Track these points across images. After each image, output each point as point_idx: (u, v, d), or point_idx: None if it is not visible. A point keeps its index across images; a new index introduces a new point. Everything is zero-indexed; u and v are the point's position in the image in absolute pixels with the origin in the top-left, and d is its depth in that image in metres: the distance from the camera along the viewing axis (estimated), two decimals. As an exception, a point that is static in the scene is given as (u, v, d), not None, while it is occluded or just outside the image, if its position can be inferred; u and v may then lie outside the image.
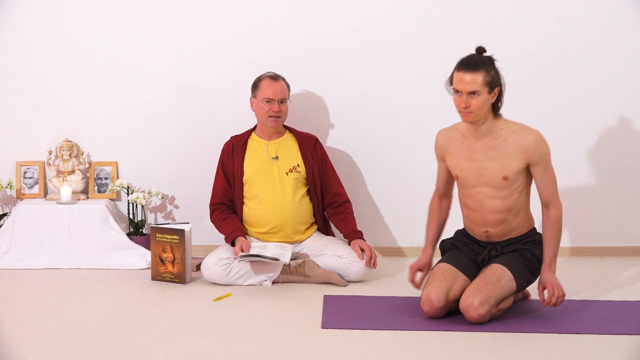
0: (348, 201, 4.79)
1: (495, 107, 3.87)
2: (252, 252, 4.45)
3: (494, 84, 3.81)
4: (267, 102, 4.61)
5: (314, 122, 5.08)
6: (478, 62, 3.80)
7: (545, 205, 3.93)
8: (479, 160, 3.90)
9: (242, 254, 4.41)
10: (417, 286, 4.08)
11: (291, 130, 4.79)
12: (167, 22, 5.07)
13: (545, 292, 3.88)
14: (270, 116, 4.62)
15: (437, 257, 4.13)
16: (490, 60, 3.83)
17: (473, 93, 3.78)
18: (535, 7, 5.00)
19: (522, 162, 3.86)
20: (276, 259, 4.36)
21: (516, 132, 3.86)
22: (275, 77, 4.66)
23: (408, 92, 5.08)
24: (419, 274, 4.10)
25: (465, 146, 3.93)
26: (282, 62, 4.96)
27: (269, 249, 4.50)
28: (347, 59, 5.06)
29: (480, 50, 3.87)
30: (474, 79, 3.77)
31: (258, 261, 4.42)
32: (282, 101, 4.64)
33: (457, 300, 3.89)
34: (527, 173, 3.91)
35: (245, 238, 4.57)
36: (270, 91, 4.61)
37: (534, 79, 5.04)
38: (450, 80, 3.86)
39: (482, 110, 3.82)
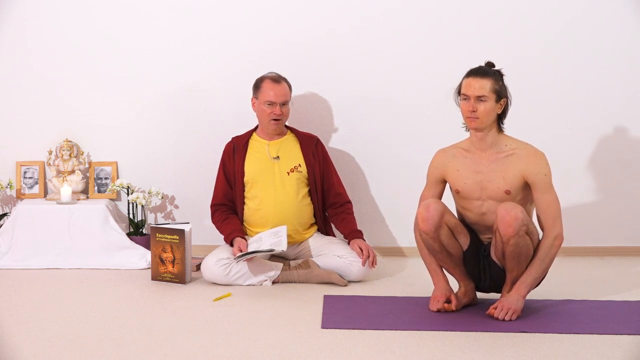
0: (349, 201, 4.79)
1: (500, 121, 3.91)
2: (248, 249, 4.45)
3: (502, 94, 3.86)
4: (269, 105, 4.61)
5: (315, 122, 5.08)
6: (487, 71, 3.88)
7: (545, 236, 3.86)
8: (483, 172, 3.91)
9: (239, 254, 4.41)
10: (449, 307, 3.94)
11: (292, 130, 4.78)
12: (167, 22, 5.07)
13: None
14: (272, 119, 4.62)
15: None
16: (499, 73, 3.90)
17: (481, 98, 3.82)
18: (536, 7, 5.00)
19: (522, 179, 3.87)
20: (272, 250, 4.36)
21: (519, 149, 3.89)
22: (277, 79, 4.64)
23: (409, 92, 5.07)
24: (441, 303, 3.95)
25: (469, 159, 3.94)
26: (282, 63, 4.96)
27: (264, 239, 4.47)
28: (349, 59, 5.06)
29: (490, 64, 3.92)
30: (483, 84, 3.82)
31: (257, 260, 4.42)
32: (284, 104, 4.63)
33: (448, 229, 3.87)
34: (529, 190, 3.90)
35: (244, 238, 4.56)
36: (272, 94, 4.60)
37: (534, 79, 5.04)
38: (458, 90, 3.90)
39: (488, 117, 3.84)
